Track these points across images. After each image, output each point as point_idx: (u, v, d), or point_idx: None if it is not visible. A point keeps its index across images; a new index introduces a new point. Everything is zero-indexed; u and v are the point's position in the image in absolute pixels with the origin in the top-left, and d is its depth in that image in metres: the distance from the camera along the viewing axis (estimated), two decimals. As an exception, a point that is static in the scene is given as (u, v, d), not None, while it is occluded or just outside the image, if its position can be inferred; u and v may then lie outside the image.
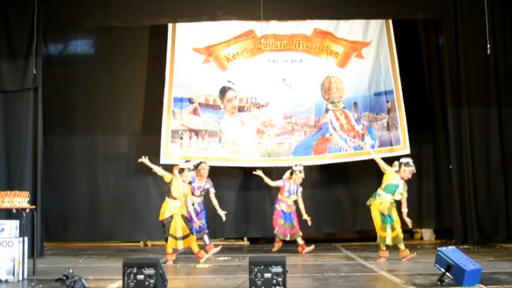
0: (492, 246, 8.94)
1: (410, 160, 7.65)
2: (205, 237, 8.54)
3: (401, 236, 7.50)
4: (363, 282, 5.94)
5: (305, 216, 8.52)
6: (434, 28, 10.13)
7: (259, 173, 8.70)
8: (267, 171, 9.15)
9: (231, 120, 9.64)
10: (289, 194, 8.53)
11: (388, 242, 7.46)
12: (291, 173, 8.57)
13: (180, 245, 7.48)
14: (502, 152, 9.31)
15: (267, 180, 8.70)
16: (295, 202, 8.62)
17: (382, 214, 7.48)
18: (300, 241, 8.59)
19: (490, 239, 9.18)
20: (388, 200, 7.51)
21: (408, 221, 7.57)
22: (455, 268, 5.38)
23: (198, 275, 6.55)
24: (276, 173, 9.29)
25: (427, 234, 10.39)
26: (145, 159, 7.74)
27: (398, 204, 7.66)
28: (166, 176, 7.62)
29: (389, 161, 7.96)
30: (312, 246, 8.61)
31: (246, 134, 9.59)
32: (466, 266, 5.33)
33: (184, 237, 7.47)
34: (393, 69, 9.59)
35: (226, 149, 9.54)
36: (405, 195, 7.60)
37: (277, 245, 8.63)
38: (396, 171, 7.54)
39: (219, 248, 8.17)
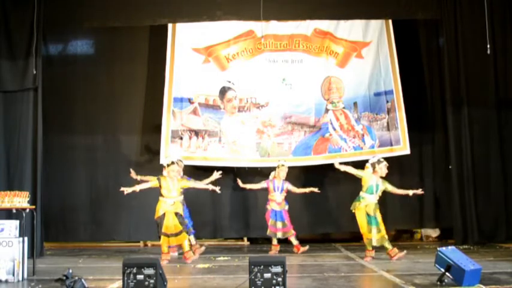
0: (492, 246, 8.94)
1: (379, 157, 7.93)
2: (192, 237, 8.56)
3: (386, 236, 7.63)
4: (363, 282, 5.96)
5: (310, 189, 8.69)
6: (434, 28, 10.13)
7: (244, 186, 8.84)
8: (267, 171, 9.15)
9: (231, 120, 9.63)
10: (276, 192, 8.58)
11: (375, 243, 7.55)
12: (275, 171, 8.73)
13: (173, 242, 7.65)
14: (501, 152, 9.31)
15: (250, 186, 8.88)
16: (287, 201, 8.65)
17: (368, 215, 7.58)
18: (294, 241, 8.61)
19: (490, 239, 9.18)
20: (372, 201, 7.63)
21: (419, 192, 7.98)
22: (455, 268, 5.38)
23: (198, 275, 6.55)
24: (275, 173, 9.28)
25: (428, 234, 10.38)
26: (127, 189, 7.71)
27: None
28: (154, 184, 7.77)
29: (390, 161, 7.97)
30: (307, 246, 8.63)
31: (246, 134, 9.59)
32: (466, 266, 5.34)
33: (177, 234, 7.60)
34: (393, 69, 9.59)
35: (226, 149, 9.54)
36: (391, 187, 7.75)
37: (274, 248, 8.62)
38: (372, 173, 7.68)
39: (204, 248, 8.42)
